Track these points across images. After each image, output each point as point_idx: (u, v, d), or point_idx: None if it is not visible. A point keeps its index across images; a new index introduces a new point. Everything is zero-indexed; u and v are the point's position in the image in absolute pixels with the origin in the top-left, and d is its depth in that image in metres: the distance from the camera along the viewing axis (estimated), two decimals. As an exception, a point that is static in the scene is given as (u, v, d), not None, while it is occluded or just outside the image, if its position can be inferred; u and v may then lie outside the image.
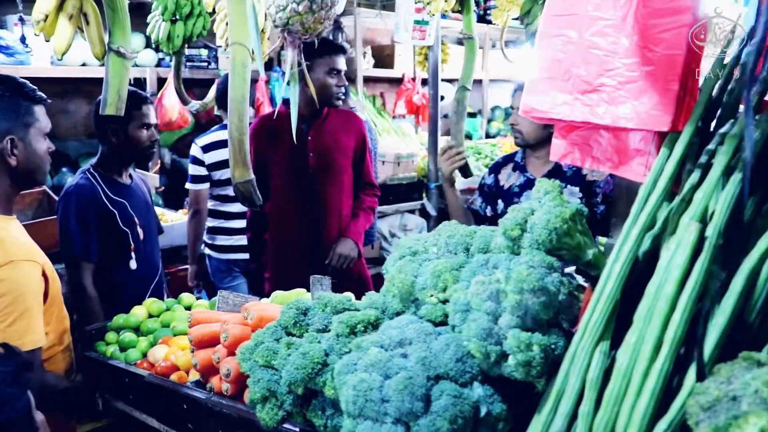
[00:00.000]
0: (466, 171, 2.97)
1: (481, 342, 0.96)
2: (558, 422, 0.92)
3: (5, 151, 1.86)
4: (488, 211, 2.68)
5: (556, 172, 2.45)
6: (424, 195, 5.46)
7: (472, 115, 7.19)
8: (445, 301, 1.13)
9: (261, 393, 1.12)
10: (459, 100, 2.78)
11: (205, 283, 3.82)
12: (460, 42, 6.62)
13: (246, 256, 3.54)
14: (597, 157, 1.21)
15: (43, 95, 1.99)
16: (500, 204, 2.61)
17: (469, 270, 1.07)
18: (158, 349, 1.98)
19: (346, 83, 2.91)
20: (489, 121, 7.25)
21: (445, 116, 6.55)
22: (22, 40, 3.55)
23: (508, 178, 2.60)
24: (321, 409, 1.11)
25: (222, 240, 3.63)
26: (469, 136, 6.79)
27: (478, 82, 6.83)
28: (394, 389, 0.93)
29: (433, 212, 5.45)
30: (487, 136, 7.07)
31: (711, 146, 1.07)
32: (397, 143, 5.52)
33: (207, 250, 3.71)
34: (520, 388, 1.02)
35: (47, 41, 1.99)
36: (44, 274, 1.92)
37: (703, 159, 1.07)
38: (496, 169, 2.69)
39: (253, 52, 1.97)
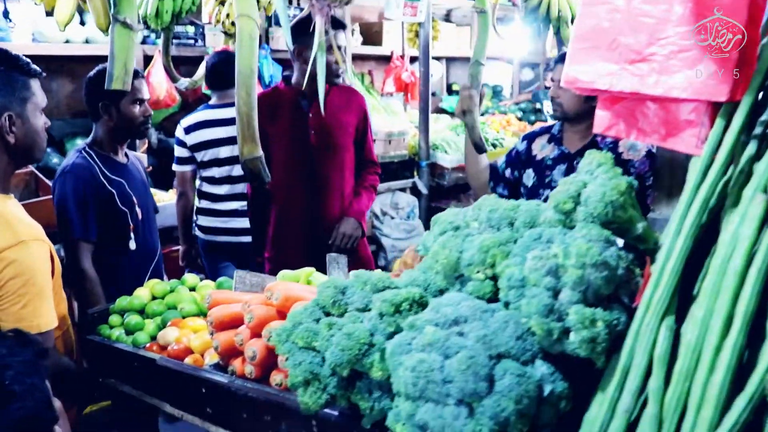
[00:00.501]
0: (480, 146, 2.90)
1: (542, 319, 0.93)
2: (626, 400, 0.90)
3: (3, 128, 1.78)
4: (508, 173, 2.63)
5: (592, 146, 2.41)
6: (415, 173, 5.43)
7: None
8: (492, 278, 1.10)
9: (303, 376, 1.08)
10: (473, 75, 2.71)
11: (195, 265, 3.76)
12: (447, 19, 6.56)
13: (235, 239, 3.48)
14: (643, 128, 1.17)
15: (38, 68, 1.90)
16: (530, 173, 2.57)
17: (522, 245, 1.03)
18: (169, 332, 1.93)
19: (347, 59, 2.85)
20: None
21: (434, 94, 6.50)
22: (5, 14, 3.41)
23: (542, 148, 2.56)
24: (367, 391, 1.07)
25: (208, 221, 3.57)
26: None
27: (467, 59, 6.78)
28: (456, 369, 0.89)
29: (424, 190, 5.43)
30: (475, 114, 7.03)
31: (765, 117, 1.04)
32: (386, 121, 5.46)
33: (196, 231, 3.64)
34: (578, 366, 0.99)
35: (48, 13, 1.89)
36: (51, 256, 1.85)
37: (757, 130, 1.05)
38: (530, 137, 2.64)
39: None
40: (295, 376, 1.09)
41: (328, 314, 1.17)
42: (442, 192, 5.55)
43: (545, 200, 2.51)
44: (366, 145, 3.03)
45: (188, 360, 1.75)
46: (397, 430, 1.01)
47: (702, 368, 0.86)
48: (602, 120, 1.21)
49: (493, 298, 1.08)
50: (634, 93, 1.13)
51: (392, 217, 5.34)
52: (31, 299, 1.67)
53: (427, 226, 5.50)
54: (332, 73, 2.81)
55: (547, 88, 7.66)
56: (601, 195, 1.02)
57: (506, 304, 1.02)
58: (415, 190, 5.45)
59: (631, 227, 1.08)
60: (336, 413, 1.19)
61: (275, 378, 1.40)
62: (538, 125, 4.76)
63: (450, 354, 0.92)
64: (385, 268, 4.27)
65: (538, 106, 7.09)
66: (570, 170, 2.44)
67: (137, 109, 2.53)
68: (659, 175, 1.27)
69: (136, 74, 2.53)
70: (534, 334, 0.95)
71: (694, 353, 0.88)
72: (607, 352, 0.96)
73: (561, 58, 2.49)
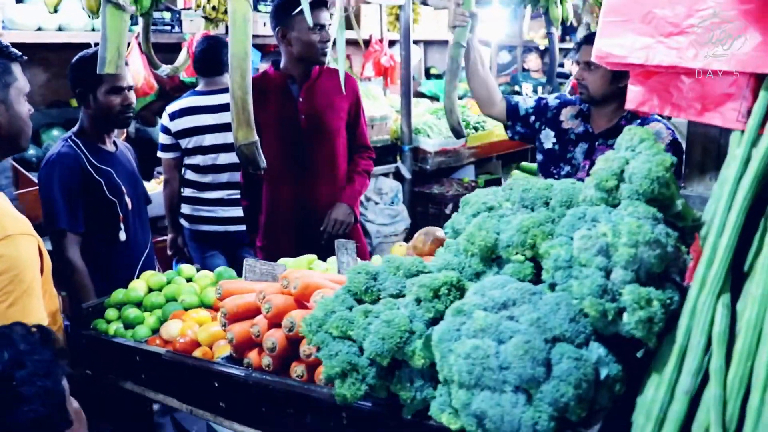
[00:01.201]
0: (458, 131, 2.89)
1: (596, 299, 0.90)
2: (686, 381, 0.87)
3: None
4: (532, 119, 2.62)
5: (616, 130, 2.37)
6: (398, 158, 5.39)
7: (438, 77, 7.11)
8: (532, 259, 1.06)
9: (340, 367, 1.04)
10: (454, 57, 2.69)
11: (182, 254, 3.68)
12: (424, 2, 6.50)
13: (221, 228, 3.41)
14: (678, 104, 1.14)
15: (18, 52, 1.81)
16: (549, 134, 2.55)
17: (566, 224, 1.00)
18: (172, 325, 1.87)
19: (330, 38, 2.77)
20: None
21: (413, 78, 6.44)
22: (-26, 0, 3.26)
23: (570, 119, 2.53)
24: (409, 380, 1.03)
25: (193, 210, 3.48)
26: (436, 98, 6.71)
27: (445, 42, 6.74)
28: (513, 354, 0.86)
29: (407, 175, 5.39)
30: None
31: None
32: (367, 106, 5.38)
33: (181, 220, 3.56)
34: (630, 347, 0.96)
35: (19, 0, 1.79)
36: (39, 250, 1.77)
37: (799, 102, 1.02)
38: (563, 102, 2.61)
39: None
40: (331, 367, 1.05)
41: (360, 301, 1.13)
42: (426, 176, 5.51)
43: (566, 175, 2.50)
44: (358, 130, 2.97)
45: (197, 353, 1.69)
46: (443, 419, 0.97)
47: (764, 346, 0.84)
48: (635, 96, 1.18)
49: (534, 280, 1.05)
50: (670, 67, 1.10)
51: (376, 203, 5.29)
52: (19, 297, 1.58)
53: (411, 211, 5.46)
54: (317, 53, 2.75)
55: (525, 70, 7.66)
56: (646, 171, 0.99)
57: (552, 286, 0.99)
58: (398, 175, 5.40)
59: (672, 204, 1.05)
60: (369, 404, 1.15)
61: (296, 369, 1.36)
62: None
63: (504, 339, 0.88)
64: (372, 254, 4.22)
65: (516, 88, 7.08)
66: (591, 150, 2.42)
67: (116, 98, 2.42)
68: (691, 151, 1.24)
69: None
70: (587, 316, 0.92)
71: (755, 331, 0.86)
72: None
73: (587, 39, 2.45)
